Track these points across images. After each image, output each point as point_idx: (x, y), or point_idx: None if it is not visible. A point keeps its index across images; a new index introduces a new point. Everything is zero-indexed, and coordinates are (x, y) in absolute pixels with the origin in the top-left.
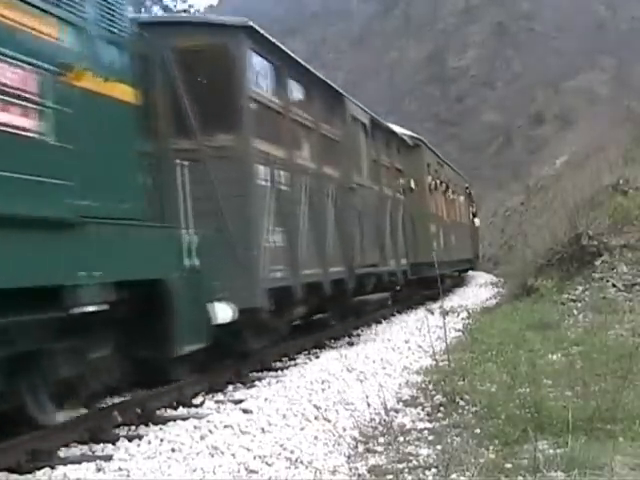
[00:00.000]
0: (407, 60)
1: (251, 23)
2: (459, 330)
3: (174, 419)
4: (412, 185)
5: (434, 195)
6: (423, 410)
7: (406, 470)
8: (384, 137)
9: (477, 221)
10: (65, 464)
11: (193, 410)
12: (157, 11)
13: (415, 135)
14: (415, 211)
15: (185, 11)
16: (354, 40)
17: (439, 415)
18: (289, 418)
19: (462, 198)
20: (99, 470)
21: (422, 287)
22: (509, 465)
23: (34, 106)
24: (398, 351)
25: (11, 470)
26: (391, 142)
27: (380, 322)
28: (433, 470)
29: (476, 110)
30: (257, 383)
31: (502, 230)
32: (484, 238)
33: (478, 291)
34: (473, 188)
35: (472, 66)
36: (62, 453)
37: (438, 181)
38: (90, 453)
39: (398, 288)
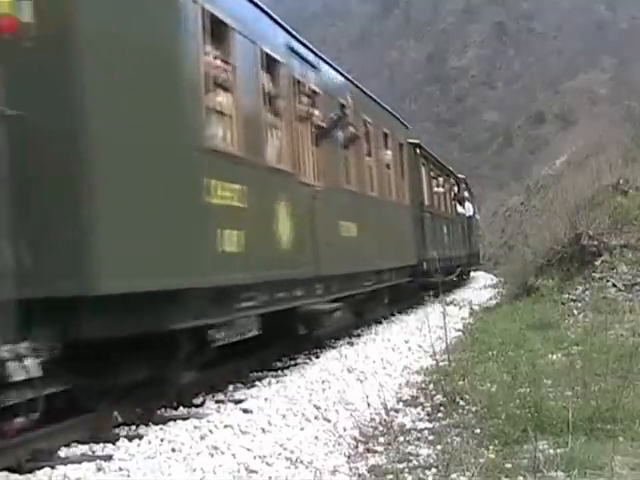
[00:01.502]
0: (407, 60)
1: None
2: (459, 330)
3: (174, 419)
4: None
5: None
6: (423, 410)
7: (406, 470)
8: None
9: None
10: (65, 464)
11: (193, 410)
12: None
13: None
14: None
15: None
16: (354, 40)
17: (439, 415)
18: (289, 418)
19: (389, 154)
20: (99, 470)
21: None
22: (509, 465)
23: None
24: (398, 351)
25: (11, 470)
26: None
27: (380, 322)
28: (433, 470)
29: (476, 110)
30: (257, 383)
31: (502, 230)
32: (484, 237)
33: (478, 291)
34: (473, 187)
35: (472, 66)
36: (62, 453)
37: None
38: (90, 453)
39: None
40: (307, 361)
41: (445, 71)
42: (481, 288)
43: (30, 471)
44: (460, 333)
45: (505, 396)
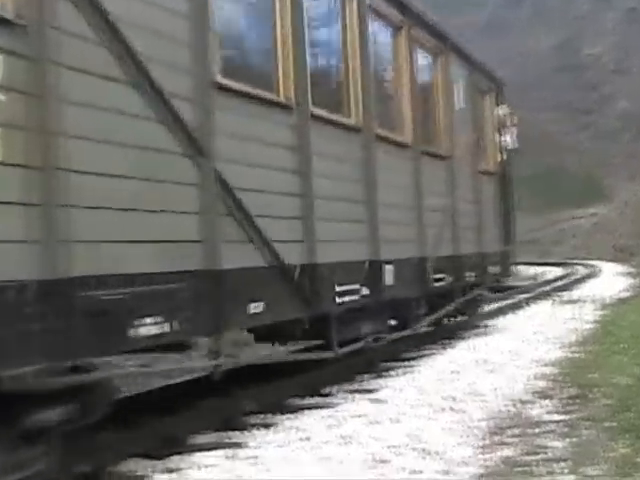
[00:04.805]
0: (538, 48)
1: None
2: (591, 322)
3: (305, 408)
4: None
5: None
6: (554, 402)
7: (537, 462)
8: None
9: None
10: (196, 451)
11: (324, 399)
12: None
13: None
14: None
15: None
16: (482, 27)
17: (570, 408)
18: (419, 408)
19: None
20: (230, 457)
21: None
22: None
23: None
24: (527, 342)
25: (142, 455)
26: None
27: (507, 313)
28: (564, 463)
29: (610, 98)
30: (387, 373)
31: (634, 221)
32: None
33: (611, 281)
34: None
35: (605, 54)
36: (193, 440)
37: None
38: (221, 441)
39: None
40: (436, 352)
41: (578, 59)
42: (614, 275)
43: (160, 458)
44: (591, 325)
45: (638, 389)
